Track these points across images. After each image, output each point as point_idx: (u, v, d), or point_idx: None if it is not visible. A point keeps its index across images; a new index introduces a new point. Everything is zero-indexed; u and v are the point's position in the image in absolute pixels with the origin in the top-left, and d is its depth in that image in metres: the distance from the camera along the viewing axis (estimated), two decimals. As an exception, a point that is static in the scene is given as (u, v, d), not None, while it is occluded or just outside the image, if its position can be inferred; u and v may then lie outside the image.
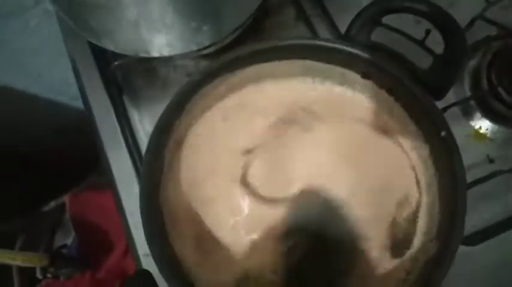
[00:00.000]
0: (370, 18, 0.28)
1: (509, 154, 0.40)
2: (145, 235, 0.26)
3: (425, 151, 0.29)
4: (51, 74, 0.75)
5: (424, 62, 0.28)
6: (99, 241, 0.73)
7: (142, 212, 0.27)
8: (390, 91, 0.29)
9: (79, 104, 0.85)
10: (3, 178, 0.82)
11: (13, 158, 0.88)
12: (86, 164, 0.90)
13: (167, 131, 0.28)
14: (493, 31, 0.43)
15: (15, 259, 0.59)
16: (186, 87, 0.29)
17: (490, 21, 0.43)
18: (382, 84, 0.29)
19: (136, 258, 0.38)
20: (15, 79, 0.73)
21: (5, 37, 0.64)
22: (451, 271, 0.37)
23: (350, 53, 0.28)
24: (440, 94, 0.28)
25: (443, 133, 0.26)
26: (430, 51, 0.28)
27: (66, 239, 0.78)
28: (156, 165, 0.28)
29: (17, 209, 0.79)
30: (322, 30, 0.43)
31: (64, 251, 0.73)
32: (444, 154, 0.27)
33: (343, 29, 0.36)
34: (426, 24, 0.30)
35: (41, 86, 0.77)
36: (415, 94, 0.27)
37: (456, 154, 0.26)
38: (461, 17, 0.43)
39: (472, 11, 0.44)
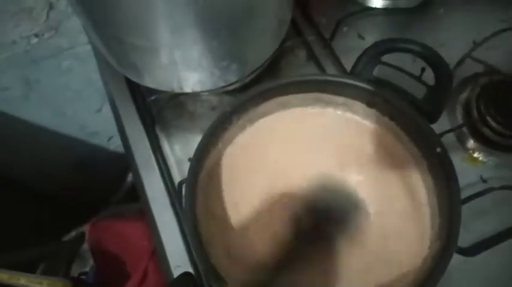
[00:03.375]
0: (372, 57, 0.34)
1: (501, 174, 0.45)
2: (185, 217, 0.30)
3: (424, 166, 0.34)
4: (75, 112, 0.81)
5: (419, 92, 0.34)
6: (116, 269, 0.76)
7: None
8: (392, 117, 0.34)
9: (95, 140, 0.91)
10: (21, 210, 0.86)
11: (31, 192, 0.93)
12: (102, 196, 0.95)
13: (212, 140, 0.33)
14: (480, 69, 0.50)
15: (42, 283, 0.62)
16: (219, 118, 0.34)
17: (477, 60, 0.49)
18: (385, 112, 0.34)
19: (168, 271, 0.42)
20: (42, 117, 0.79)
21: (39, 77, 0.70)
22: (454, 280, 0.41)
23: (356, 86, 0.34)
24: (434, 118, 0.33)
25: (438, 149, 0.31)
26: (424, 83, 0.34)
27: (83, 268, 0.81)
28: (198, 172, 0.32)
29: (37, 239, 0.83)
30: (330, 69, 0.49)
31: (84, 278, 0.76)
32: (440, 166, 0.31)
33: (348, 68, 0.42)
34: (421, 62, 0.35)
35: (63, 123, 0.83)
36: (414, 119, 0.33)
37: (450, 165, 0.30)
38: (451, 56, 0.50)
39: (461, 51, 0.50)
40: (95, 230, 0.81)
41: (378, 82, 0.34)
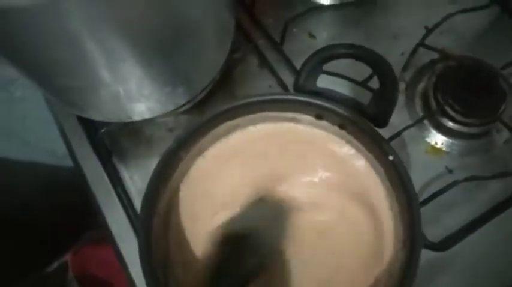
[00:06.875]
0: (312, 68, 0.33)
1: (465, 162, 0.45)
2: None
3: (382, 173, 0.33)
4: (38, 138, 0.79)
5: (364, 98, 0.33)
6: (104, 296, 0.75)
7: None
8: (341, 127, 0.33)
9: (66, 163, 0.88)
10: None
11: (6, 224, 0.90)
12: (81, 219, 0.93)
13: (162, 180, 0.32)
14: (435, 55, 0.49)
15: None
16: (164, 158, 0.33)
17: (430, 48, 0.48)
18: (334, 122, 0.33)
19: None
20: (3, 147, 0.76)
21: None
22: (431, 276, 0.40)
23: (300, 101, 0.32)
24: (383, 122, 0.32)
25: (390, 157, 0.30)
26: (368, 88, 0.33)
27: (72, 298, 0.80)
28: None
29: (18, 273, 0.81)
30: (283, 73, 0.48)
31: (72, 308, 0.75)
32: (396, 174, 0.31)
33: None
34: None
35: (29, 151, 0.80)
36: (362, 127, 0.32)
37: (404, 173, 0.30)
38: (406, 46, 0.49)
39: (414, 40, 0.49)
40: (78, 258, 0.80)
41: (322, 93, 0.33)
